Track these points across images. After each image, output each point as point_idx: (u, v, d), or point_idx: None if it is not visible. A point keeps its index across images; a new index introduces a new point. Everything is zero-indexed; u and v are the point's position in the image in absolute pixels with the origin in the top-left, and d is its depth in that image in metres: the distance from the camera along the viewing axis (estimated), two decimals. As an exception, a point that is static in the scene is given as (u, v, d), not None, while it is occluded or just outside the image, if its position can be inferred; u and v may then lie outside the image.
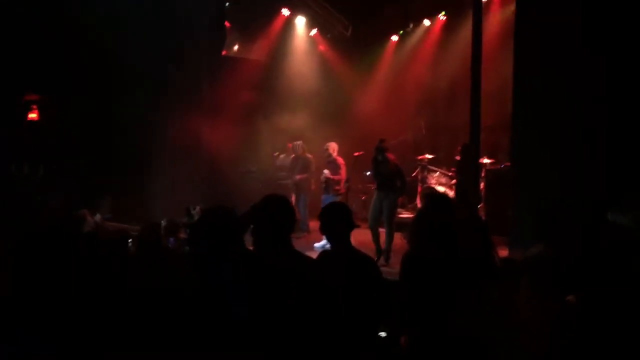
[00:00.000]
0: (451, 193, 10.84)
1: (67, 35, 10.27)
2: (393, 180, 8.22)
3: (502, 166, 9.77)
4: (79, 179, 10.19)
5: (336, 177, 9.40)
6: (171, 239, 5.79)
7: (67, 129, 11.08)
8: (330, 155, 9.64)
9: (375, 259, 8.06)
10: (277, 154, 11.60)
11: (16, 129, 11.47)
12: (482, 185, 9.72)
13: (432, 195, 3.67)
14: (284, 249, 2.81)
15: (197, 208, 7.37)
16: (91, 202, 9.46)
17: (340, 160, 9.54)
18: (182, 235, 5.83)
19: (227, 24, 11.81)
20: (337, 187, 9.37)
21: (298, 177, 10.35)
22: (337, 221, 3.54)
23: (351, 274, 3.23)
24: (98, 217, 6.92)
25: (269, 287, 2.38)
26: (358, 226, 3.65)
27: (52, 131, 11.32)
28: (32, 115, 12.13)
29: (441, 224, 3.26)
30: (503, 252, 6.79)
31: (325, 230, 3.56)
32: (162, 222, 7.36)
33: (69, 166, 10.63)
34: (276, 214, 2.87)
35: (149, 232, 5.07)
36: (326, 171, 9.52)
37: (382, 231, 8.37)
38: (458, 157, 10.31)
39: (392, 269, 6.47)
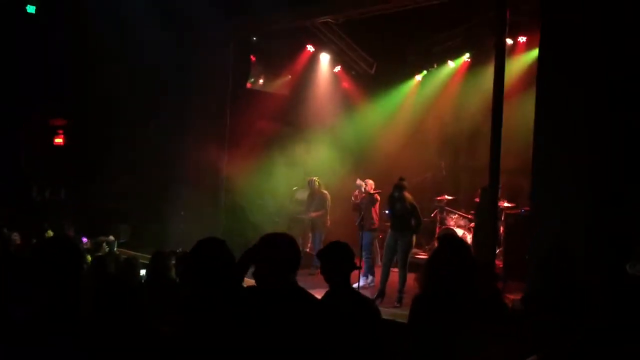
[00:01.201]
0: (469, 236, 10.69)
1: (94, 62, 10.50)
2: (409, 219, 8.15)
3: (522, 211, 9.59)
4: (99, 204, 10.30)
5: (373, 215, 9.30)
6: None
7: (91, 154, 11.26)
8: (367, 191, 9.42)
9: (375, 297, 7.96)
10: (295, 188, 11.59)
11: (41, 153, 11.69)
12: (501, 229, 9.56)
13: (448, 238, 3.57)
14: (286, 288, 2.74)
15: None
16: (110, 227, 9.57)
17: (376, 196, 9.40)
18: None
19: (252, 57, 11.96)
20: (374, 225, 9.29)
21: (314, 214, 10.31)
22: (340, 261, 3.45)
23: (351, 316, 3.15)
24: (111, 239, 6.91)
25: (264, 327, 2.31)
26: (359, 267, 3.58)
27: (76, 156, 11.50)
28: (58, 140, 12.37)
29: (455, 268, 3.16)
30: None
31: (326, 271, 3.46)
32: (179, 250, 7.36)
33: (89, 191, 10.76)
34: (276, 253, 2.82)
35: (158, 261, 5.06)
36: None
37: (395, 271, 8.27)
38: (477, 200, 10.20)
39: (404, 311, 6.33)
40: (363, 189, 9.31)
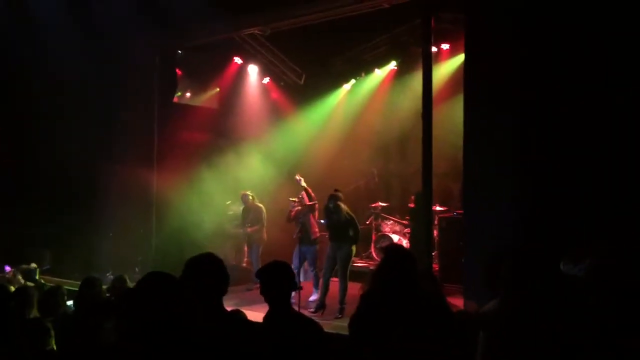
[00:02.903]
0: (405, 241, 10.82)
1: (13, 79, 10.00)
2: (346, 229, 8.13)
3: (455, 214, 9.80)
4: (18, 228, 9.75)
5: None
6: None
7: (10, 175, 10.65)
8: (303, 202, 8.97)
9: (315, 310, 7.88)
10: (229, 202, 11.39)
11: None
12: (435, 232, 9.71)
13: (394, 249, 3.52)
14: (214, 313, 2.60)
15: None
16: (30, 253, 9.05)
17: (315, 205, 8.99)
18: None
19: (178, 71, 11.70)
20: (315, 235, 8.82)
21: (249, 229, 10.13)
22: (280, 282, 3.32)
23: (293, 340, 3.04)
24: (33, 266, 6.51)
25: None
26: (300, 288, 3.47)
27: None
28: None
29: (404, 278, 3.11)
30: (458, 301, 6.72)
31: (266, 291, 3.32)
32: (108, 274, 7.05)
33: (8, 215, 10.15)
34: (203, 275, 2.69)
35: (88, 287, 4.78)
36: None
37: (335, 281, 8.22)
38: (412, 205, 10.33)
39: (345, 322, 6.27)
40: (297, 198, 8.94)
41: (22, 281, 6.38)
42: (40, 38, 9.84)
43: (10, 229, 9.77)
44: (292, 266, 8.41)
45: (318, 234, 8.85)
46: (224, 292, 2.80)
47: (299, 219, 8.77)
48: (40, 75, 10.07)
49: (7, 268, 7.58)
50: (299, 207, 8.87)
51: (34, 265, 7.93)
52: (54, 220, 10.13)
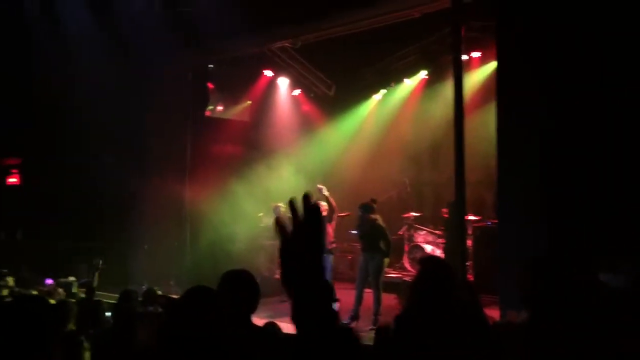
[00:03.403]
0: (438, 251, 10.71)
1: (48, 97, 10.25)
2: (377, 240, 8.08)
3: (489, 223, 9.66)
4: (56, 243, 9.95)
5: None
6: (150, 307, 5.53)
7: (47, 192, 10.91)
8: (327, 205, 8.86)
9: (348, 321, 7.80)
10: (261, 214, 11.44)
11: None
12: (469, 242, 9.59)
13: (430, 260, 3.48)
14: (244, 328, 2.62)
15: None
16: (69, 267, 9.22)
17: (336, 213, 8.92)
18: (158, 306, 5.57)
19: (210, 85, 11.86)
20: (330, 245, 8.73)
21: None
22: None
23: (331, 352, 3.02)
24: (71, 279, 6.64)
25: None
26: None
27: (32, 195, 11.12)
28: (12, 180, 11.97)
29: (441, 290, 3.07)
30: (493, 312, 6.61)
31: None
32: (144, 287, 7.14)
33: (47, 231, 10.39)
34: (237, 290, 2.71)
35: (125, 300, 4.86)
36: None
37: (369, 292, 8.17)
38: (445, 215, 10.22)
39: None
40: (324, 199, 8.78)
41: (63, 294, 6.51)
42: (73, 55, 10.08)
43: (48, 244, 9.99)
44: None
45: (334, 245, 8.79)
46: (254, 308, 2.82)
47: None
48: (74, 93, 10.30)
49: (48, 281, 7.75)
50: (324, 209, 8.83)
51: (72, 278, 8.09)
52: (90, 235, 10.32)
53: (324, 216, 8.59)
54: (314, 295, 1.36)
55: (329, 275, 8.70)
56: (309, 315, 1.35)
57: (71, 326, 4.20)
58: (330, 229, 8.75)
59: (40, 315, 2.12)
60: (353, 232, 10.61)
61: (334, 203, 8.78)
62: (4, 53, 10.39)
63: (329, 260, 8.66)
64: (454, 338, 2.97)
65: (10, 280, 6.82)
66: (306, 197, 1.41)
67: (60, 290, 6.57)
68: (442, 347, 2.93)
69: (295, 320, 1.36)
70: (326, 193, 8.81)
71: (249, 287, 2.83)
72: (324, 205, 8.68)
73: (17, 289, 6.37)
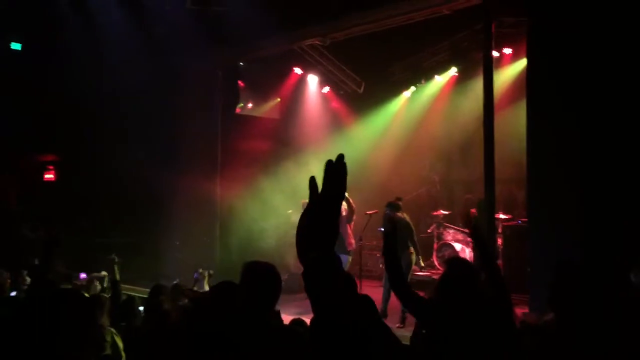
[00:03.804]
0: (468, 250, 10.62)
1: (83, 96, 10.47)
2: (404, 238, 8.06)
3: (519, 222, 9.55)
4: (90, 238, 10.17)
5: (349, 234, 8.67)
6: (179, 302, 5.62)
7: (82, 188, 11.16)
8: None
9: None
10: (290, 211, 11.51)
11: (32, 189, 11.58)
12: (499, 241, 9.49)
13: (455, 262, 3.47)
14: (263, 324, 2.59)
15: (206, 272, 7.23)
16: (103, 262, 9.41)
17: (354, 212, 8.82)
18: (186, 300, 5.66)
19: (240, 83, 11.97)
20: (350, 245, 8.64)
21: None
22: None
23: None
24: (103, 274, 6.78)
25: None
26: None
27: (67, 191, 11.39)
28: (49, 176, 12.26)
29: (465, 292, 3.07)
30: (523, 311, 6.55)
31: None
32: (175, 282, 7.28)
33: (81, 226, 10.63)
34: (256, 284, 2.70)
35: (156, 295, 4.95)
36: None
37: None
38: (475, 213, 10.12)
39: (408, 332, 6.22)
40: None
41: (98, 288, 6.66)
42: (106, 53, 10.27)
43: (83, 239, 10.22)
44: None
45: (353, 246, 8.67)
46: (274, 303, 2.79)
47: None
48: (107, 91, 10.51)
49: (82, 275, 7.93)
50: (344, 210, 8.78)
51: (104, 273, 8.25)
52: (123, 230, 10.53)
53: (343, 216, 8.57)
54: (326, 263, 1.38)
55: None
56: (322, 282, 1.36)
57: (104, 319, 4.31)
58: (349, 229, 8.65)
59: (76, 308, 2.19)
60: (380, 229, 10.63)
61: (353, 204, 8.74)
62: (39, 51, 10.66)
63: (345, 260, 8.52)
64: (478, 338, 2.96)
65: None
66: (330, 163, 1.45)
67: (96, 283, 6.72)
68: (465, 346, 2.92)
69: (308, 291, 1.37)
70: (345, 193, 8.76)
71: (269, 279, 2.81)
72: (343, 205, 8.64)
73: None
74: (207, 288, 7.21)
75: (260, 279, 2.73)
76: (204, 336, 1.99)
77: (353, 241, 8.71)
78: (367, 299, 3.04)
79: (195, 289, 7.39)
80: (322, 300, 1.32)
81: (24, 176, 11.71)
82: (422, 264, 8.61)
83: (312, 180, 1.47)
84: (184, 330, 3.42)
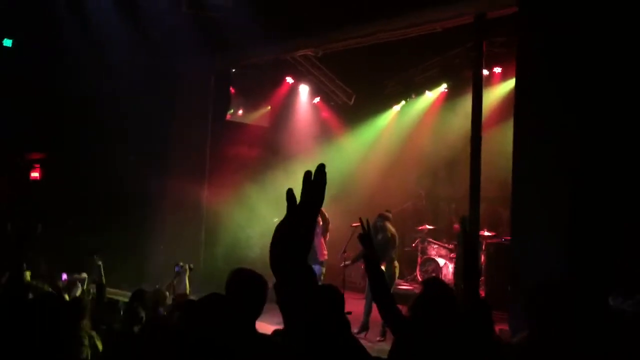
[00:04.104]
0: (451, 265, 10.68)
1: (71, 95, 10.43)
2: (390, 250, 8.11)
3: (503, 239, 9.63)
4: (74, 238, 10.09)
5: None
6: (160, 309, 5.61)
7: (68, 188, 11.08)
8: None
9: (358, 332, 7.75)
10: (276, 220, 11.47)
11: (18, 187, 11.49)
12: (482, 258, 9.56)
13: (431, 284, 3.49)
14: (247, 334, 2.59)
15: (186, 265, 7.23)
16: (83, 263, 9.35)
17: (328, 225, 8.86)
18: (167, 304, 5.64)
19: (232, 89, 11.98)
20: (323, 256, 8.62)
21: None
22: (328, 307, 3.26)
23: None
24: (84, 276, 6.74)
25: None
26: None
27: (53, 190, 11.30)
28: (35, 174, 12.16)
29: (441, 314, 3.07)
30: (503, 328, 6.60)
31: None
32: (157, 286, 7.26)
33: (65, 225, 10.54)
34: (242, 292, 2.70)
35: (135, 300, 4.94)
36: None
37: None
38: (456, 227, 10.19)
39: (384, 346, 6.23)
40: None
41: (79, 291, 6.62)
42: (100, 53, 10.24)
43: (67, 239, 10.14)
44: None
45: (326, 257, 8.71)
46: (259, 313, 2.78)
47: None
48: (99, 90, 10.47)
49: (64, 277, 7.87)
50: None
51: (84, 274, 8.19)
52: (108, 231, 10.46)
53: (319, 227, 8.58)
54: (299, 275, 1.41)
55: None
56: (294, 293, 1.38)
57: (86, 323, 4.29)
58: (323, 241, 8.68)
59: (56, 313, 2.20)
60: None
61: (327, 216, 8.75)
62: (31, 48, 10.61)
63: (318, 270, 8.50)
64: (453, 356, 2.96)
65: (27, 275, 6.94)
66: (307, 175, 1.47)
67: (79, 284, 6.68)
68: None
69: (281, 304, 1.39)
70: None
71: (256, 287, 2.80)
72: (326, 215, 8.69)
73: (34, 283, 6.49)
74: (187, 282, 7.19)
75: (247, 287, 2.73)
76: (189, 343, 2.00)
77: (326, 252, 8.72)
78: (346, 323, 3.04)
79: (175, 282, 7.40)
80: (296, 313, 1.35)
81: (10, 175, 11.61)
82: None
83: (290, 191, 1.49)
84: (163, 337, 3.43)
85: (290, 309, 1.37)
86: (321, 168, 1.49)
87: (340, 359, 1.33)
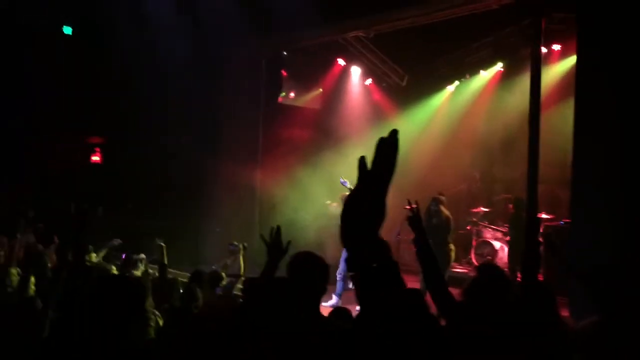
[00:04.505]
0: (507, 248, 10.47)
1: (130, 80, 10.68)
2: (445, 233, 8.01)
3: (562, 222, 9.37)
4: (133, 221, 10.40)
5: None
6: (218, 289, 5.74)
7: (127, 171, 11.42)
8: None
9: None
10: (328, 202, 11.53)
11: (79, 170, 11.91)
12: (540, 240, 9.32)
13: (486, 270, 3.42)
14: (311, 316, 2.60)
15: (240, 245, 7.33)
16: (145, 245, 9.63)
17: None
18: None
19: (283, 72, 12.02)
20: None
21: None
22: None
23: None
24: (142, 256, 6.95)
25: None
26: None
27: (113, 174, 11.66)
28: (95, 158, 12.58)
29: (495, 301, 3.01)
30: (564, 313, 6.45)
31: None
32: (213, 267, 7.43)
33: (125, 208, 10.88)
34: (303, 275, 2.71)
35: (193, 280, 5.06)
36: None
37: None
38: (511, 210, 9.95)
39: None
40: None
41: (140, 270, 6.82)
42: (153, 38, 10.44)
43: (125, 221, 10.47)
44: (337, 272, 8.40)
45: None
46: (323, 292, 2.81)
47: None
48: (153, 76, 10.68)
49: (124, 257, 8.13)
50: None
51: (142, 255, 8.43)
52: (164, 214, 10.74)
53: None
54: (371, 248, 1.34)
55: (342, 269, 8.56)
56: (367, 267, 1.33)
57: (149, 302, 4.42)
58: None
59: (123, 293, 2.28)
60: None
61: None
62: (89, 36, 10.92)
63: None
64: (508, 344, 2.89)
65: (93, 256, 7.21)
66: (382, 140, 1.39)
67: (140, 265, 6.89)
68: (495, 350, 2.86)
69: (354, 278, 1.34)
70: (350, 186, 8.74)
71: (320, 270, 2.81)
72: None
73: (99, 263, 6.76)
74: (242, 261, 7.31)
75: (310, 270, 2.74)
76: (252, 326, 2.04)
77: None
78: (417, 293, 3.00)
79: (229, 262, 7.52)
80: (373, 296, 1.31)
81: (71, 158, 12.04)
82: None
83: (362, 159, 1.42)
84: (222, 319, 3.50)
85: (363, 288, 1.33)
86: (394, 133, 1.42)
87: (425, 345, 1.28)
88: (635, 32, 6.22)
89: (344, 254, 8.43)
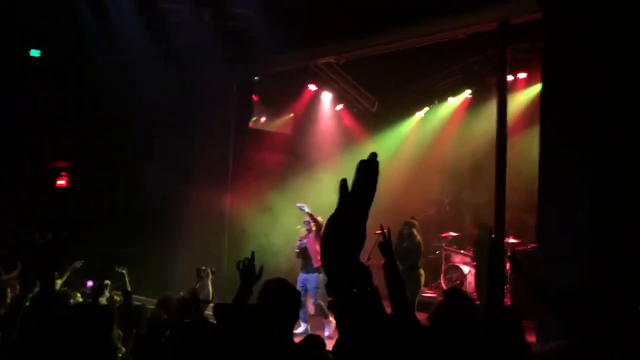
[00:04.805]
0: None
1: (97, 105, 10.58)
2: (415, 257, 8.05)
3: (529, 247, 9.50)
4: (99, 248, 10.19)
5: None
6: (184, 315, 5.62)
7: (93, 196, 11.23)
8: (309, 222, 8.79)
9: None
10: (299, 227, 11.49)
11: (44, 195, 11.66)
12: (507, 265, 9.43)
13: (452, 295, 3.44)
14: (284, 343, 2.58)
15: (209, 269, 7.23)
16: (110, 272, 9.43)
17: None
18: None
19: (255, 97, 12.04)
20: (318, 262, 8.39)
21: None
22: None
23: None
24: (107, 283, 6.80)
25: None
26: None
27: (78, 198, 11.46)
28: (61, 182, 12.35)
29: (460, 324, 3.02)
30: (530, 338, 6.49)
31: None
32: (181, 293, 7.30)
33: (90, 234, 10.66)
34: (276, 302, 2.70)
35: (160, 307, 4.97)
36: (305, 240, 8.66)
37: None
38: (477, 236, 10.07)
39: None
40: (307, 229, 8.68)
41: (107, 296, 6.67)
42: (121, 65, 10.39)
43: (91, 247, 10.25)
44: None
45: (320, 263, 8.51)
46: (295, 319, 2.79)
47: (302, 244, 8.53)
48: (123, 98, 10.60)
49: (89, 283, 7.96)
50: (311, 229, 8.67)
51: (107, 281, 8.26)
52: (132, 240, 10.56)
53: (314, 231, 8.54)
54: (352, 272, 1.33)
55: (314, 293, 8.46)
56: (346, 294, 1.31)
57: (116, 329, 4.33)
58: (317, 247, 8.50)
59: (90, 321, 2.23)
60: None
61: (320, 221, 8.57)
62: (57, 59, 10.80)
63: (315, 278, 8.44)
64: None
65: (58, 282, 7.03)
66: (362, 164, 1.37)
67: (106, 292, 6.75)
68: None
69: (334, 303, 1.33)
70: (308, 210, 8.73)
71: (291, 298, 2.80)
72: (319, 219, 8.54)
73: (64, 290, 6.59)
74: (210, 286, 7.20)
75: (282, 298, 2.72)
76: (224, 353, 2.00)
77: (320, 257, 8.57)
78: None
79: (198, 286, 7.40)
80: (351, 318, 1.29)
81: (37, 182, 11.80)
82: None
83: (343, 182, 1.40)
84: (190, 343, 3.43)
85: (344, 314, 1.31)
86: (373, 157, 1.41)
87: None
88: (599, 61, 6.40)
89: (307, 278, 8.36)
